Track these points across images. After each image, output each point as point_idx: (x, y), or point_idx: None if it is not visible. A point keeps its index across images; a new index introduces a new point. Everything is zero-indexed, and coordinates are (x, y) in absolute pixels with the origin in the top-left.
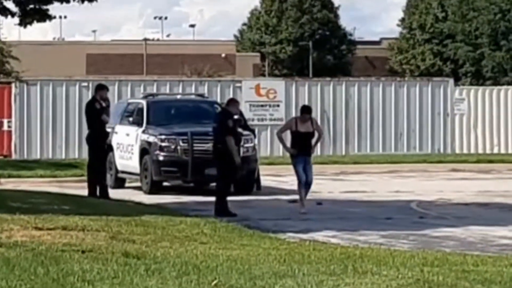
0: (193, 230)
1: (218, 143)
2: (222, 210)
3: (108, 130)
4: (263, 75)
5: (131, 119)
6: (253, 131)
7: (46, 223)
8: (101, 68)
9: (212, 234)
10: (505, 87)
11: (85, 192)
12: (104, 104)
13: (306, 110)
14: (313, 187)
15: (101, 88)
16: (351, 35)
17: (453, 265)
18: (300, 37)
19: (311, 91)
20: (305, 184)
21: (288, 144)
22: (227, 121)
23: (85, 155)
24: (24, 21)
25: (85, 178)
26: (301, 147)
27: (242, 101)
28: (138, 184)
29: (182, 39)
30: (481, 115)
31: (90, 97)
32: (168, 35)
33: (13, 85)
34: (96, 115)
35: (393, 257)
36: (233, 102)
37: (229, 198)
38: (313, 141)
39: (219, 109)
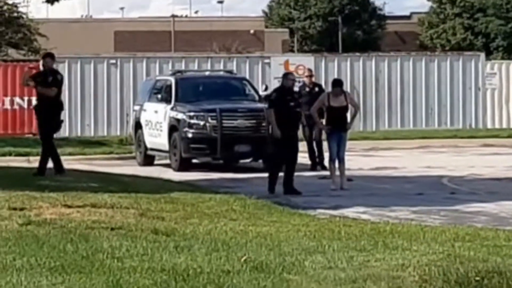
0: (222, 207)
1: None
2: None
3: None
4: (292, 51)
5: (159, 96)
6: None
7: (75, 201)
8: (129, 45)
9: (241, 210)
10: None
11: (114, 169)
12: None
13: (337, 84)
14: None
15: (43, 57)
16: (381, 10)
17: (484, 240)
18: (330, 12)
19: (341, 66)
20: (337, 160)
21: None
22: (271, 94)
23: (114, 132)
24: None
25: (114, 155)
26: (336, 122)
27: (271, 77)
28: (167, 161)
29: (211, 15)
30: None
31: (118, 74)
32: (196, 12)
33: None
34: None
35: (424, 233)
36: (285, 75)
37: (258, 174)
38: (349, 116)
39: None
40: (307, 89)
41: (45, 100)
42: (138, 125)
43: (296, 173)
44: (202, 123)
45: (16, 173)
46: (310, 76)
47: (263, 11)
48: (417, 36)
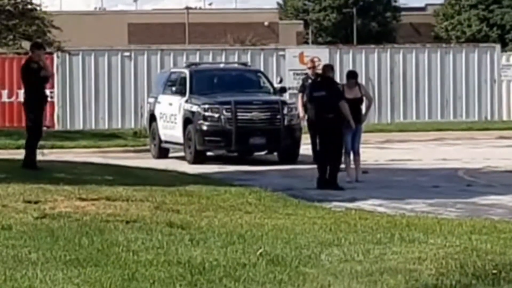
0: (237, 200)
1: (329, 113)
2: (330, 183)
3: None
4: (307, 43)
5: (174, 88)
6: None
7: (90, 194)
8: (143, 37)
9: (257, 203)
10: None
11: (129, 162)
12: (41, 64)
13: (351, 75)
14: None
15: (36, 48)
16: (395, 1)
17: (501, 233)
18: (344, 4)
19: (356, 58)
20: (352, 153)
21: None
22: (338, 86)
23: (128, 125)
24: None
25: (128, 148)
26: (351, 114)
27: (285, 70)
28: (181, 154)
29: (225, 7)
30: None
31: (132, 67)
32: (210, 4)
33: (55, 55)
34: (33, 76)
35: (440, 226)
36: (331, 68)
37: (273, 167)
38: (363, 108)
39: (313, 77)
40: (310, 80)
41: (37, 92)
42: (152, 118)
43: (310, 166)
44: (216, 115)
45: None
46: (313, 67)
47: (278, 3)
48: (432, 27)
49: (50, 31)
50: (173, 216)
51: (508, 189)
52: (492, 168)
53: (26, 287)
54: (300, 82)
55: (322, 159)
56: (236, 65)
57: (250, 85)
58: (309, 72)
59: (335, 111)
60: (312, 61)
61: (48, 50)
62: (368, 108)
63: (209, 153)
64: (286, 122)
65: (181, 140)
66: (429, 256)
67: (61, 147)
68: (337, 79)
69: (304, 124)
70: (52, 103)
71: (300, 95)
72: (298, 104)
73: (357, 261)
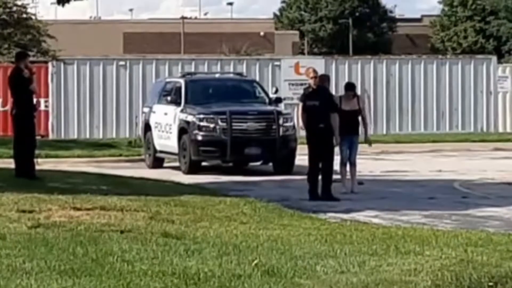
0: (232, 210)
1: (320, 122)
2: (325, 194)
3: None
4: (302, 53)
5: (169, 98)
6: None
7: (85, 203)
8: (138, 47)
9: (252, 214)
10: None
11: (123, 172)
12: (28, 74)
13: (349, 88)
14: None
15: (24, 56)
16: (391, 12)
17: (497, 245)
18: (340, 14)
19: (351, 69)
20: (348, 164)
21: None
22: (334, 98)
23: (122, 134)
24: (62, 0)
25: (123, 158)
26: (348, 126)
27: (281, 80)
28: (176, 164)
29: (220, 17)
30: None
31: (127, 76)
32: (206, 14)
33: (50, 64)
34: (26, 84)
35: (436, 237)
36: (327, 79)
37: (268, 177)
38: (360, 119)
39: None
40: (311, 90)
41: (28, 101)
42: (147, 127)
43: (305, 177)
44: (212, 125)
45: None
46: (316, 77)
47: (275, 14)
48: (428, 39)
49: (45, 40)
50: (168, 226)
51: (504, 201)
52: (488, 180)
53: None
54: (297, 92)
55: (313, 170)
56: (231, 75)
57: (246, 95)
58: (312, 82)
59: (326, 121)
60: (315, 71)
61: (43, 59)
62: (365, 126)
63: (204, 163)
64: (281, 132)
65: (176, 150)
66: (424, 268)
67: (56, 156)
68: (332, 90)
69: (302, 134)
70: (47, 112)
71: (301, 105)
72: (298, 113)
73: (353, 273)
